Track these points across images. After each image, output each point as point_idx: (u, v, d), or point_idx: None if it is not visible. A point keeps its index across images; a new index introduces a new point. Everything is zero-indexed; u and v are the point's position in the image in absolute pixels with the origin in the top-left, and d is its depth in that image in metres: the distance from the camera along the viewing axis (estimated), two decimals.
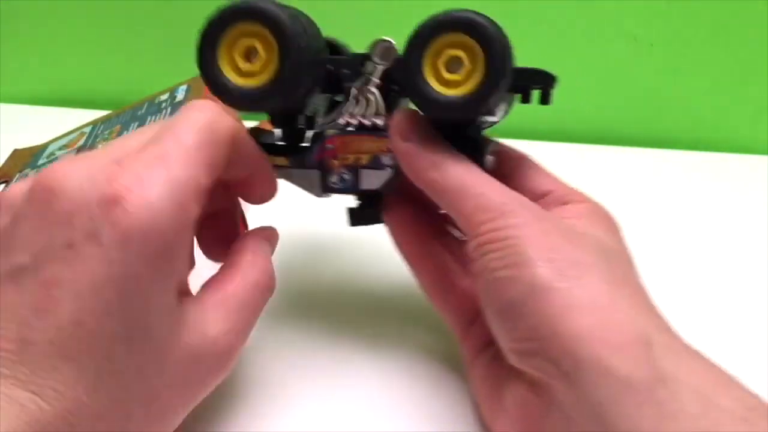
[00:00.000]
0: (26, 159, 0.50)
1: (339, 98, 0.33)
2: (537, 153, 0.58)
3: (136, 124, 0.46)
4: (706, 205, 0.51)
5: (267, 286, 0.29)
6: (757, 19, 0.55)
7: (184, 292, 0.26)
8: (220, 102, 0.29)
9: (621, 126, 0.61)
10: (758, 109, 0.58)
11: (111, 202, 0.23)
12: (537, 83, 0.31)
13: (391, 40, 0.30)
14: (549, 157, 0.57)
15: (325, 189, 0.33)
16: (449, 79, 0.29)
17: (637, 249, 0.45)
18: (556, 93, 0.32)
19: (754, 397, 0.24)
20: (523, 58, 0.60)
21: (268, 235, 0.32)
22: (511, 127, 0.61)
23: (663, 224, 0.48)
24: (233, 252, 0.30)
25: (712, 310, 0.40)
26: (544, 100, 0.31)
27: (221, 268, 0.29)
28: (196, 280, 0.28)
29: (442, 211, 0.32)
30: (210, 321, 0.26)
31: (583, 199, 0.31)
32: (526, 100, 0.31)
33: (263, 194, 0.32)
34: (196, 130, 0.26)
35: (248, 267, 0.29)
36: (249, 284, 0.28)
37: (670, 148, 0.59)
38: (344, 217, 0.35)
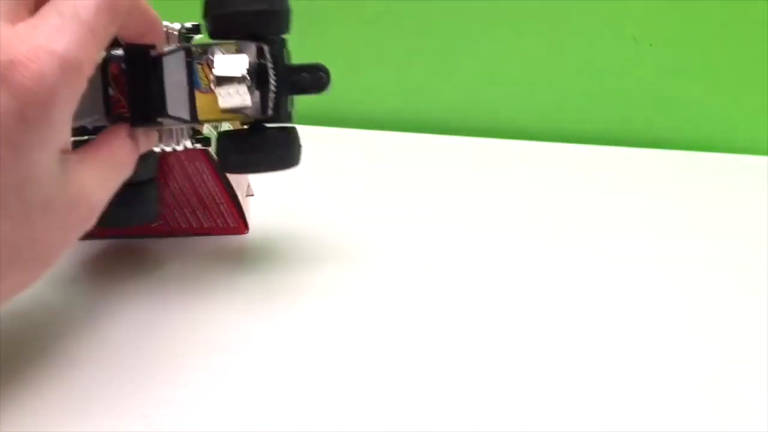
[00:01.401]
0: None
1: None
2: (537, 153, 0.58)
3: None
4: (705, 205, 0.51)
5: (132, 164, 0.34)
6: (757, 19, 0.55)
7: (66, 150, 0.29)
8: None
9: (621, 126, 0.61)
10: (758, 109, 0.58)
11: (7, 71, 0.26)
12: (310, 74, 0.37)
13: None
14: (549, 157, 0.58)
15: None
16: None
17: (636, 249, 0.46)
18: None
19: None
20: (524, 58, 0.61)
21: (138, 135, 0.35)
22: (511, 128, 0.61)
23: (663, 224, 0.48)
24: (113, 129, 0.33)
25: (711, 310, 0.40)
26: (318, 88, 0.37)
27: (99, 135, 0.33)
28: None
29: None
30: (87, 177, 0.30)
31: None
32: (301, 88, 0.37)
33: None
34: (96, 5, 0.29)
35: (122, 139, 0.33)
36: (121, 153, 0.33)
37: (670, 148, 0.59)
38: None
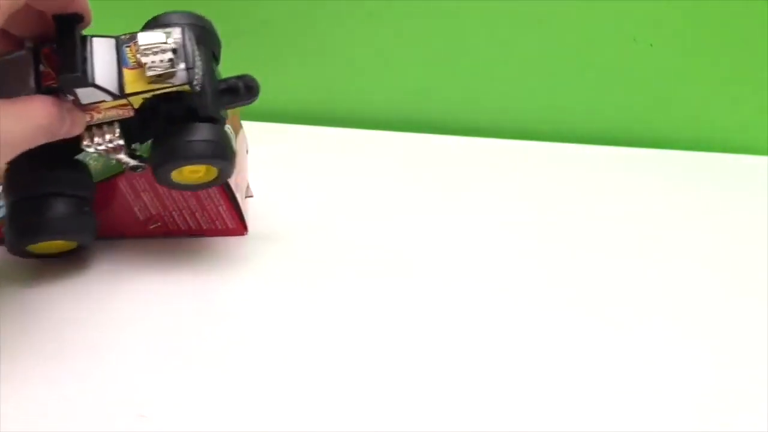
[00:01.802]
0: None
1: None
2: (537, 153, 0.58)
3: None
4: (706, 205, 0.51)
5: (50, 125, 0.34)
6: (757, 19, 0.55)
7: None
8: None
9: (621, 126, 0.61)
10: (758, 109, 0.58)
11: None
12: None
13: None
14: (549, 157, 0.58)
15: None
16: None
17: (636, 249, 0.46)
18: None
19: None
20: (524, 58, 0.61)
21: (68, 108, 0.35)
22: (511, 128, 0.61)
23: (663, 224, 0.48)
24: (38, 94, 0.34)
25: (711, 310, 0.40)
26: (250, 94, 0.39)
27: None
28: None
29: None
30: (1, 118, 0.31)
31: None
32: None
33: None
34: None
35: (42, 100, 0.33)
36: (35, 110, 0.33)
37: (670, 148, 0.59)
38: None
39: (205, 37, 0.39)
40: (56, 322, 0.37)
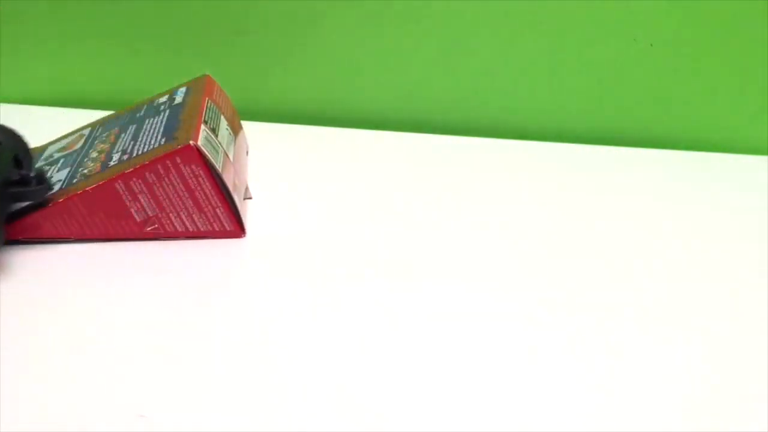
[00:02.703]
0: None
1: None
2: (537, 153, 0.58)
3: (134, 126, 0.46)
4: (705, 205, 0.51)
5: None
6: (757, 19, 0.55)
7: None
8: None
9: (621, 126, 0.61)
10: (758, 109, 0.58)
11: None
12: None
13: None
14: (549, 157, 0.58)
15: None
16: None
17: (636, 249, 0.45)
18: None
19: None
20: (524, 58, 0.61)
21: None
22: (512, 128, 0.61)
23: (662, 224, 0.48)
24: None
25: (711, 311, 0.40)
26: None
27: None
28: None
29: None
30: None
31: None
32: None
33: None
34: None
35: None
36: None
37: (670, 148, 0.59)
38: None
39: (8, 142, 0.42)
40: (57, 321, 0.37)
